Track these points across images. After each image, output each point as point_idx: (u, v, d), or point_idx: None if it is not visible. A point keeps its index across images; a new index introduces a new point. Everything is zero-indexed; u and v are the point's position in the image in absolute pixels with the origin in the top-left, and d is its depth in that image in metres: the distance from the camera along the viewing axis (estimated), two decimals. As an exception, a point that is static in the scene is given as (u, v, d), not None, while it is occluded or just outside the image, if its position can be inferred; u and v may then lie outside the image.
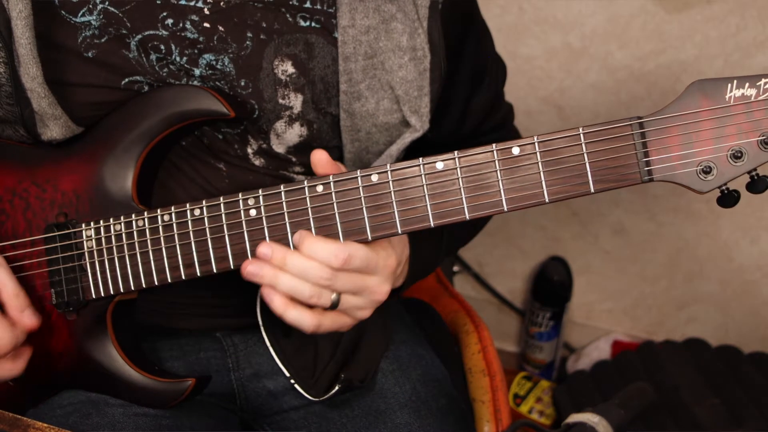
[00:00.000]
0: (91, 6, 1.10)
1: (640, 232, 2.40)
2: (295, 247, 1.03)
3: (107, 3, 1.10)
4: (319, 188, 1.04)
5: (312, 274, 1.00)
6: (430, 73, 1.15)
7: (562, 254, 2.55)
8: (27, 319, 1.09)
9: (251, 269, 1.01)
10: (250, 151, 1.21)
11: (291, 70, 1.15)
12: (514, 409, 2.51)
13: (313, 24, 1.15)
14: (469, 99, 1.29)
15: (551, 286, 2.54)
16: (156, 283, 1.11)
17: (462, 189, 1.01)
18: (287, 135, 1.19)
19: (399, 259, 1.11)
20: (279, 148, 1.20)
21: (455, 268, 2.63)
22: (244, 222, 1.07)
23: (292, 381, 1.22)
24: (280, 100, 1.16)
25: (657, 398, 1.29)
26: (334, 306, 1.03)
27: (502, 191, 1.00)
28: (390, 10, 1.14)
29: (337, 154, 1.25)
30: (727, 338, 2.42)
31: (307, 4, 1.15)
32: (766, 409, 2.11)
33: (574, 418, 0.96)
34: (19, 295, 1.09)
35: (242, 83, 1.15)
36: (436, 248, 1.28)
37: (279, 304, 1.02)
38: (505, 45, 2.27)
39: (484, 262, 2.69)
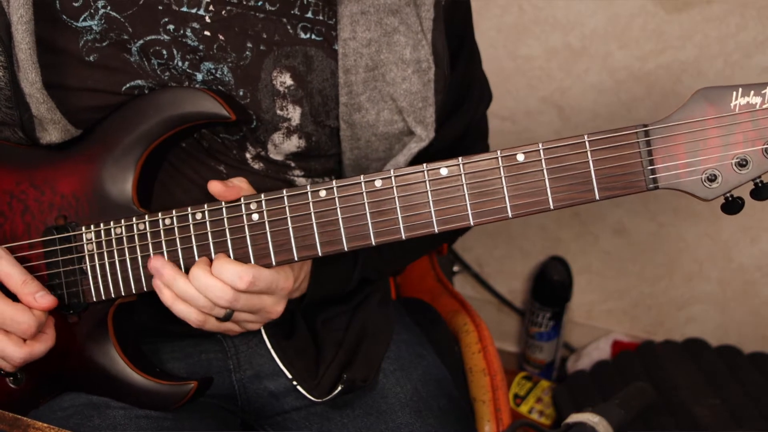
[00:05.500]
0: (92, 11, 1.10)
1: (640, 232, 2.40)
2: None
3: (109, 8, 1.10)
4: (322, 193, 1.04)
5: (213, 293, 1.04)
6: (435, 84, 1.15)
7: (562, 254, 2.55)
8: (42, 300, 1.09)
9: (156, 264, 1.07)
10: (248, 156, 1.21)
11: (289, 82, 1.15)
12: (514, 409, 2.51)
13: (313, 36, 1.15)
14: (447, 118, 1.29)
15: (551, 286, 2.54)
16: (158, 286, 1.10)
17: (466, 195, 1.01)
18: (285, 146, 1.19)
19: (296, 278, 1.14)
20: (277, 156, 1.20)
21: (455, 268, 2.63)
22: (246, 226, 1.07)
23: (294, 382, 1.22)
24: (278, 112, 1.16)
25: (657, 398, 1.29)
26: (226, 319, 1.07)
27: (506, 198, 1.00)
28: (392, 23, 1.14)
29: (335, 160, 1.25)
30: (727, 338, 2.42)
31: (309, 15, 1.15)
32: (766, 409, 2.11)
33: (574, 418, 0.96)
34: (27, 281, 1.09)
35: (240, 93, 1.15)
36: (343, 275, 1.28)
37: (167, 297, 1.07)
38: (505, 45, 2.27)
39: (484, 262, 2.69)
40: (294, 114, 1.16)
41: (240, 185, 1.09)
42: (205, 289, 1.04)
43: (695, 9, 2.05)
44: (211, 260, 1.07)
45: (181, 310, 1.07)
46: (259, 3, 1.13)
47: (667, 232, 2.37)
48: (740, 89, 0.92)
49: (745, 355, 2.35)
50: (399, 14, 1.13)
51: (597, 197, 0.97)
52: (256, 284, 1.04)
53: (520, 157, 0.99)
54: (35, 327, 1.08)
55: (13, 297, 1.10)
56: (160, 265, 1.07)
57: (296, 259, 1.06)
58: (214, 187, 1.07)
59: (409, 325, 1.44)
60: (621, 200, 2.35)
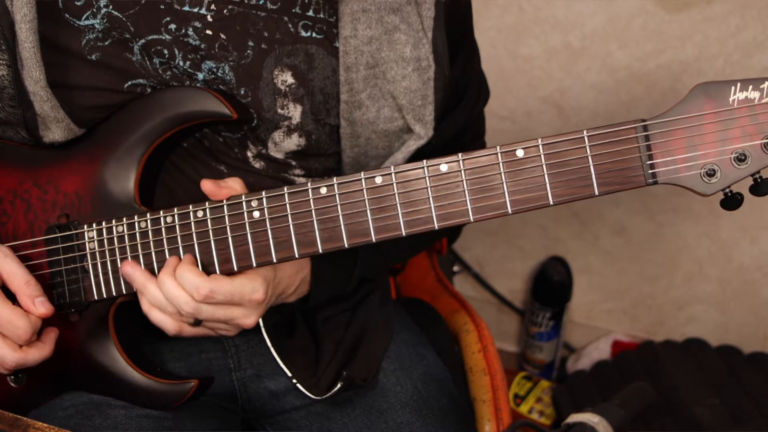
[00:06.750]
0: (95, 10, 1.11)
1: (640, 232, 2.40)
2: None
3: (111, 7, 1.10)
4: (323, 190, 1.04)
5: (176, 302, 1.05)
6: (434, 83, 1.16)
7: (562, 254, 2.55)
8: (40, 307, 1.09)
9: (127, 269, 1.09)
10: (249, 154, 1.21)
11: (290, 80, 1.15)
12: (514, 409, 2.51)
13: (314, 34, 1.16)
14: (444, 115, 1.29)
15: (551, 286, 2.54)
16: (158, 285, 1.11)
17: (466, 191, 1.01)
18: (285, 144, 1.19)
19: (272, 290, 1.14)
20: (277, 154, 1.21)
21: (455, 268, 2.63)
22: (247, 224, 1.07)
23: (294, 380, 1.22)
24: (279, 110, 1.16)
25: (657, 398, 1.29)
26: (196, 325, 1.08)
27: (506, 193, 1.00)
28: (393, 21, 1.14)
29: (335, 159, 1.25)
30: (727, 338, 2.42)
31: (310, 13, 1.16)
32: (766, 409, 2.11)
33: (574, 418, 0.97)
34: (30, 283, 1.10)
35: (242, 92, 1.15)
36: (344, 272, 1.29)
37: (143, 304, 1.10)
38: (505, 45, 2.28)
39: (484, 262, 2.69)
40: (295, 112, 1.17)
41: (233, 186, 1.10)
42: (170, 297, 1.05)
43: (695, 9, 2.06)
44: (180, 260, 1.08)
45: (156, 318, 1.08)
46: (261, 2, 1.14)
47: (666, 232, 2.37)
48: (739, 84, 0.92)
49: (745, 355, 2.35)
50: (400, 12, 1.14)
51: (596, 192, 0.98)
52: (213, 297, 1.05)
53: (520, 153, 0.99)
54: (30, 333, 1.08)
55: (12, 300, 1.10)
56: (131, 270, 1.09)
57: (297, 256, 1.06)
58: (207, 185, 1.08)
59: (410, 325, 1.44)
60: (620, 200, 2.35)
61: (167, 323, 1.08)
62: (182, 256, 1.09)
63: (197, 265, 1.08)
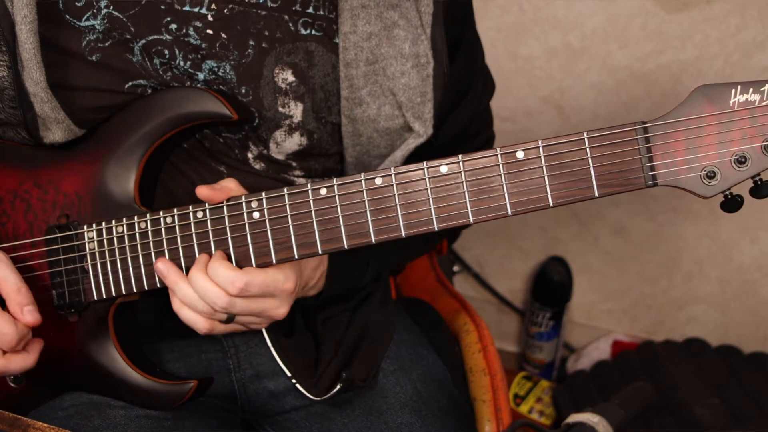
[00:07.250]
0: (95, 10, 1.11)
1: (640, 232, 2.40)
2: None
3: (111, 8, 1.10)
4: (323, 191, 1.04)
5: (210, 298, 1.04)
6: (433, 80, 1.16)
7: (562, 254, 2.55)
8: (28, 315, 1.08)
9: (160, 267, 1.07)
10: (250, 155, 1.21)
11: (291, 78, 1.15)
12: (514, 409, 2.51)
13: (314, 31, 1.16)
14: (449, 110, 1.29)
15: (551, 286, 2.54)
16: (158, 285, 1.11)
17: (466, 193, 1.01)
18: (286, 144, 1.19)
19: (300, 280, 1.14)
20: (278, 155, 1.21)
21: (455, 268, 2.63)
22: (247, 225, 1.07)
23: (294, 380, 1.22)
24: (280, 109, 1.16)
25: (657, 398, 1.29)
26: (229, 322, 1.07)
27: (506, 195, 1.00)
28: (392, 17, 1.14)
29: (336, 160, 1.25)
30: (726, 338, 2.42)
31: (310, 10, 1.16)
32: (766, 409, 2.11)
33: (574, 418, 0.97)
34: (21, 290, 1.09)
35: (243, 90, 1.15)
36: (360, 266, 1.29)
37: (175, 303, 1.08)
38: (505, 45, 2.27)
39: (484, 262, 2.69)
40: (296, 111, 1.17)
41: (228, 186, 1.10)
42: (202, 293, 1.04)
43: (695, 9, 2.06)
44: (211, 256, 1.07)
45: (187, 316, 1.07)
46: (261, 0, 1.14)
47: (666, 232, 2.37)
48: (739, 86, 0.92)
49: (745, 355, 2.35)
50: (399, 8, 1.14)
51: (596, 194, 0.97)
52: (248, 290, 1.04)
53: (520, 155, 0.99)
54: (16, 341, 1.07)
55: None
56: (165, 268, 1.07)
57: (296, 257, 1.06)
58: (202, 192, 1.07)
59: (410, 325, 1.44)
60: (620, 200, 2.35)
61: (198, 321, 1.07)
62: (197, 255, 1.09)
63: (229, 260, 1.08)
